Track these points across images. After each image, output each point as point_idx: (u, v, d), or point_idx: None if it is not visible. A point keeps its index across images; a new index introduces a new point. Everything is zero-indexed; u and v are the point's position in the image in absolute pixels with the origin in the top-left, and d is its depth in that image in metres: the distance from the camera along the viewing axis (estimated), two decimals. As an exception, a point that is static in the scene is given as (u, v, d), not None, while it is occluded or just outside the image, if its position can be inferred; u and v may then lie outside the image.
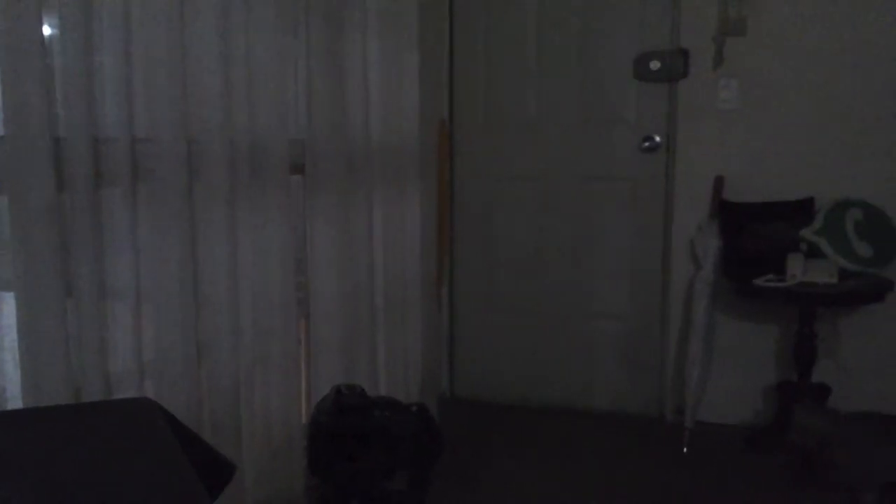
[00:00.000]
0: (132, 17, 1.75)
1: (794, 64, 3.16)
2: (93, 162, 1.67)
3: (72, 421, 1.36)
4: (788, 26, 3.15)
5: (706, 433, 3.01)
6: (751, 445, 3.10)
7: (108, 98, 1.71)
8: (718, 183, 3.23)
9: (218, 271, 2.04)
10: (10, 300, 1.59)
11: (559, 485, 2.85)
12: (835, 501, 2.55)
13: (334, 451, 1.70)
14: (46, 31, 1.57)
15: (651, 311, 3.50)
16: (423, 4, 3.12)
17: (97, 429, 1.30)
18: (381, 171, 2.84)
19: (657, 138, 3.39)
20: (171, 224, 1.89)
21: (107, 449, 1.22)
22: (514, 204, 3.63)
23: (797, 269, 2.93)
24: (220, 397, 2.05)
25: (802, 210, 3.12)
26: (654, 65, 3.36)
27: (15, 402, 1.65)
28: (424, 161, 3.17)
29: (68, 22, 1.58)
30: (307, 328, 2.55)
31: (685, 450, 3.08)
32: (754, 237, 3.11)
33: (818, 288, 2.89)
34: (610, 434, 3.32)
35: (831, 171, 3.14)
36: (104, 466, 1.14)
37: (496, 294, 3.71)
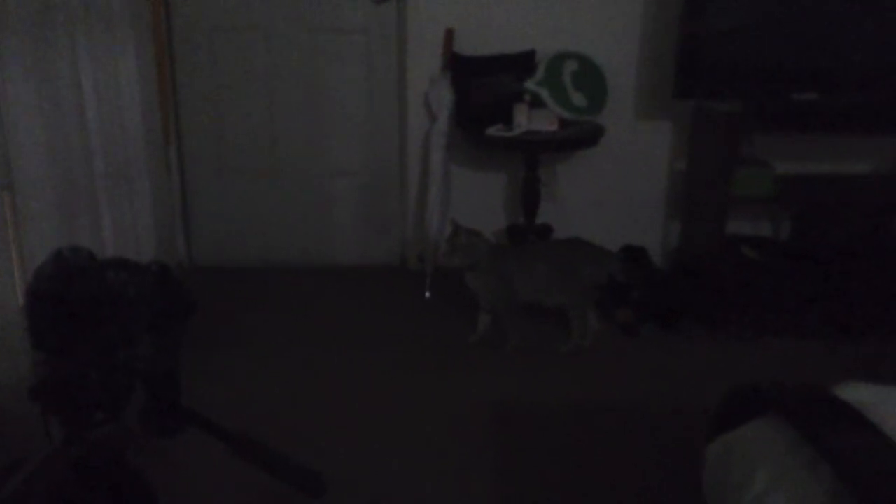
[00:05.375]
0: None
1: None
2: None
3: None
4: None
5: (447, 277, 3.18)
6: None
7: None
8: (449, 36, 3.27)
9: None
10: None
11: (308, 338, 2.88)
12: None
13: (60, 320, 1.52)
14: None
15: (389, 164, 3.54)
16: None
17: None
18: (85, 13, 2.48)
19: (388, -10, 3.32)
20: None
21: None
22: (240, 58, 3.39)
23: (522, 119, 3.10)
24: None
25: (526, 62, 3.27)
26: (383, -89, 3.24)
27: None
28: (137, 4, 2.82)
29: None
30: (12, 200, 2.24)
31: (427, 294, 3.25)
32: (483, 89, 3.21)
33: (541, 135, 3.09)
34: (356, 286, 3.40)
35: (550, 24, 3.29)
36: None
37: (228, 155, 3.51)
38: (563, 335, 2.80)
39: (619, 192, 3.47)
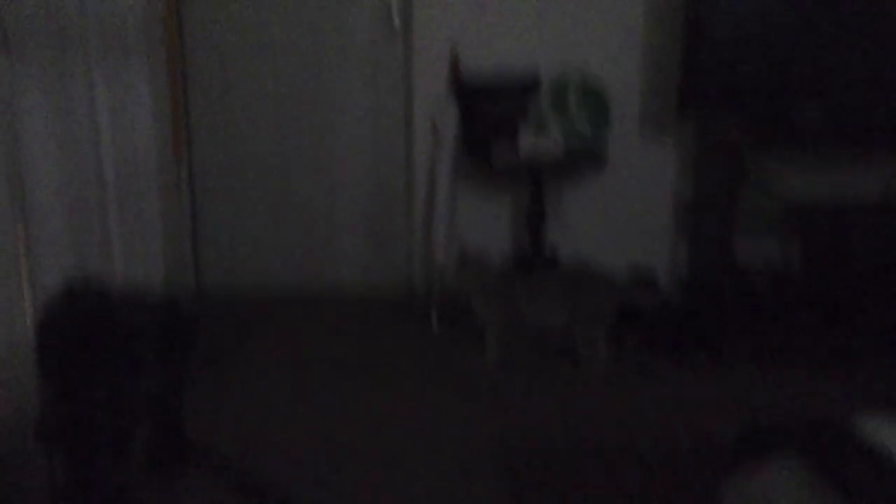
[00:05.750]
0: None
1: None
2: None
3: None
4: None
5: (455, 303, 3.16)
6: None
7: None
8: (454, 60, 3.28)
9: None
10: None
11: (313, 369, 2.86)
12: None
13: (70, 352, 1.52)
14: None
15: (396, 188, 3.55)
16: None
17: None
18: (101, 42, 2.49)
19: (395, 18, 3.33)
20: None
21: None
22: (252, 81, 3.44)
23: (527, 142, 3.11)
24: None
25: (530, 86, 3.27)
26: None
27: None
28: (150, 32, 2.84)
29: None
30: (25, 227, 2.24)
31: (435, 321, 3.24)
32: (488, 114, 3.22)
33: (546, 159, 3.10)
34: (362, 316, 3.39)
35: (555, 49, 3.31)
36: None
37: (237, 180, 3.54)
38: (570, 364, 2.78)
39: (625, 217, 3.47)
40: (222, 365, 2.81)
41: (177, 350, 1.81)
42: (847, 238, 3.07)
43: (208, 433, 2.14)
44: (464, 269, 2.70)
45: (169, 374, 1.80)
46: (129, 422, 1.65)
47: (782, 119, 2.98)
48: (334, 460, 2.28)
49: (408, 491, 2.15)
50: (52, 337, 1.59)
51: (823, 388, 2.71)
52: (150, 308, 1.74)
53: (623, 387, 2.75)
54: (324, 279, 3.61)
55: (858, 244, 3.06)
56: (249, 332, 3.18)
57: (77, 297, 1.54)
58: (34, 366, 1.64)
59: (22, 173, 2.16)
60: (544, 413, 2.57)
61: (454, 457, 2.31)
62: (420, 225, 3.52)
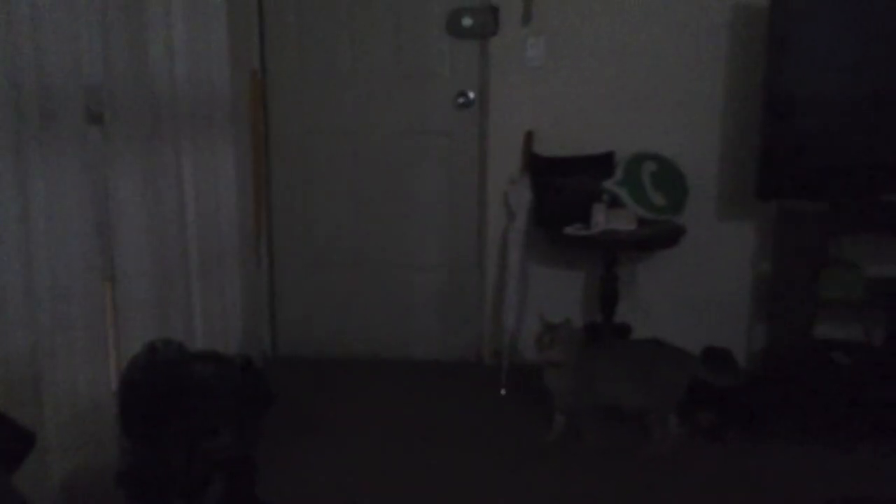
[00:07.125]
0: None
1: (595, 23, 3.33)
2: None
3: None
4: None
5: (522, 374, 3.17)
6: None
7: None
8: (528, 137, 3.36)
9: (6, 229, 1.85)
10: None
11: (383, 433, 2.89)
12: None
13: (150, 410, 1.60)
14: None
15: (468, 260, 3.61)
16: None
17: None
18: (190, 120, 2.69)
19: (471, 94, 3.46)
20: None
21: None
22: (332, 156, 3.59)
23: (601, 218, 3.12)
24: (16, 364, 1.88)
25: (604, 163, 3.31)
26: (466, 21, 3.41)
27: None
28: (236, 110, 3.04)
29: None
30: (112, 289, 2.39)
31: (503, 391, 3.23)
32: (562, 189, 3.27)
33: (619, 235, 3.10)
34: (432, 381, 3.42)
35: (629, 126, 3.36)
36: None
37: (315, 248, 3.67)
38: (641, 440, 2.72)
39: (701, 293, 3.41)
40: (295, 426, 2.87)
41: (251, 409, 1.87)
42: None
43: (280, 494, 2.18)
44: (542, 340, 2.70)
45: (243, 433, 1.86)
46: (204, 477, 1.71)
47: (866, 201, 2.91)
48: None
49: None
50: (134, 393, 1.68)
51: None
52: (226, 368, 1.81)
53: (695, 464, 2.67)
54: (399, 348, 3.66)
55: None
56: (319, 394, 3.24)
57: (158, 353, 1.63)
58: (117, 420, 1.73)
59: (113, 240, 2.31)
60: (611, 488, 2.51)
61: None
62: (492, 297, 3.55)
